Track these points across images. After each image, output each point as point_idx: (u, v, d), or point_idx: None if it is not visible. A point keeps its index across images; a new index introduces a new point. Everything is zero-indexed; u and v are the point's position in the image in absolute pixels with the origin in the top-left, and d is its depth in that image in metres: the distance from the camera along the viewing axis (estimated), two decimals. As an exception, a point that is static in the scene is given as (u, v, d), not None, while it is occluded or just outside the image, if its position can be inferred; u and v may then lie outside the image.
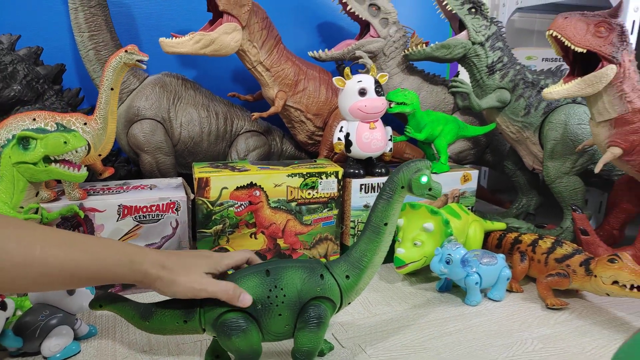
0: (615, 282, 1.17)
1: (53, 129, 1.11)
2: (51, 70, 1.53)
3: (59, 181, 1.41)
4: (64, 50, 1.70)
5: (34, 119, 1.22)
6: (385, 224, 0.93)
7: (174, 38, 1.50)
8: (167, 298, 0.89)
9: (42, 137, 1.03)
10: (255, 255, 1.01)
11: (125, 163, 1.70)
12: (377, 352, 1.07)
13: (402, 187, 0.93)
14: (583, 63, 1.34)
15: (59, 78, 1.56)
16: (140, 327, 0.92)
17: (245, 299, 0.85)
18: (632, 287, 1.14)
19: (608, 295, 1.21)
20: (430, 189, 0.93)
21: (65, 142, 1.03)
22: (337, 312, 0.94)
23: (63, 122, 1.22)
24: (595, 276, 1.21)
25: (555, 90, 1.34)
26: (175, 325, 0.89)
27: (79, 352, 1.04)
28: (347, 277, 0.93)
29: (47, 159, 1.05)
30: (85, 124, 1.26)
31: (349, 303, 0.96)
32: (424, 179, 0.91)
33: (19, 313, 1.06)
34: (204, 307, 0.88)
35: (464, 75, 1.86)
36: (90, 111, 1.62)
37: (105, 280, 0.82)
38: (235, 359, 0.88)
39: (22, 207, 1.06)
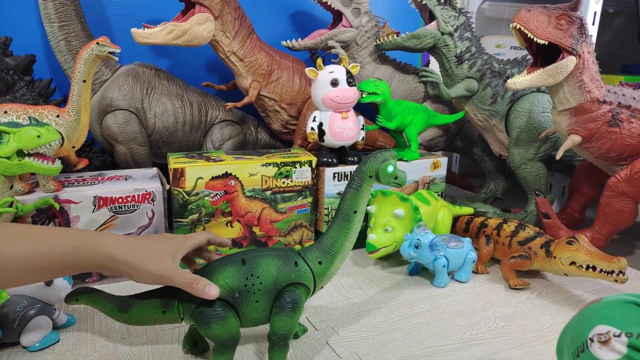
0: (572, 263, 1.24)
1: (26, 123, 1.11)
2: (21, 61, 1.52)
3: (33, 173, 1.41)
4: (33, 41, 1.68)
5: (5, 112, 1.22)
6: (355, 212, 0.98)
7: (146, 29, 1.50)
8: (144, 290, 0.91)
9: (15, 131, 1.04)
10: (215, 236, 1.03)
11: (99, 154, 1.71)
12: (349, 333, 1.12)
13: (370, 177, 0.98)
14: (545, 54, 1.40)
15: (30, 69, 1.55)
16: (119, 319, 0.94)
17: (211, 291, 0.85)
18: (587, 267, 1.22)
19: (566, 275, 1.28)
20: (396, 178, 0.99)
21: (38, 136, 1.04)
22: (310, 296, 0.99)
23: (35, 115, 1.22)
24: (555, 257, 1.28)
25: (519, 81, 1.40)
26: (154, 316, 0.91)
27: (58, 342, 1.07)
28: (320, 263, 0.97)
29: (20, 153, 1.05)
30: (58, 116, 1.26)
31: (322, 287, 1.01)
32: (390, 169, 0.97)
33: (-3, 304, 1.07)
34: (182, 297, 0.90)
35: (434, 64, 1.90)
36: (62, 102, 1.62)
37: (70, 269, 0.82)
38: (214, 345, 0.91)
39: (-4, 201, 1.07)
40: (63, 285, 1.10)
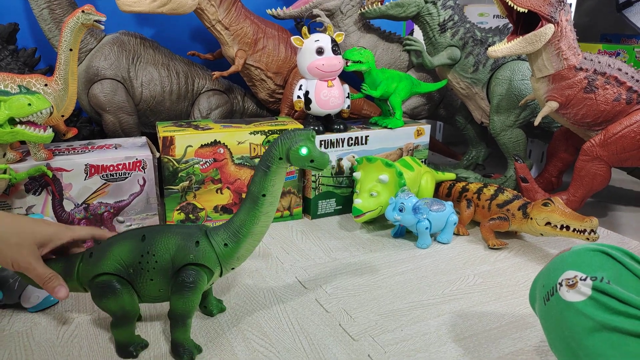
0: (548, 223, 1.31)
1: (15, 91, 1.12)
2: (4, 30, 1.51)
3: (23, 142, 1.42)
4: (16, 10, 1.66)
5: (-7, 81, 1.22)
6: (264, 195, 0.89)
7: (131, -4, 1.49)
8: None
9: (5, 100, 1.05)
10: (105, 231, 0.97)
11: (87, 123, 1.71)
12: (336, 290, 1.18)
13: (280, 159, 0.88)
14: (525, 23, 1.43)
15: (13, 38, 1.54)
16: (28, 282, 0.92)
17: (60, 293, 0.84)
18: (562, 227, 1.29)
19: (542, 235, 1.36)
20: (312, 160, 0.87)
21: (29, 104, 1.05)
22: (220, 276, 0.94)
23: (24, 84, 1.23)
24: (531, 218, 1.35)
25: (499, 49, 1.44)
26: None
27: (57, 303, 1.11)
28: (226, 245, 0.91)
29: (12, 121, 1.07)
30: (45, 85, 1.27)
31: (233, 268, 0.95)
32: (304, 151, 0.86)
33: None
34: (81, 268, 0.90)
35: (418, 33, 1.93)
36: (48, 72, 1.61)
37: None
38: (111, 318, 0.91)
39: (-10, 168, 1.09)
40: (60, 250, 1.13)
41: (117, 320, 0.90)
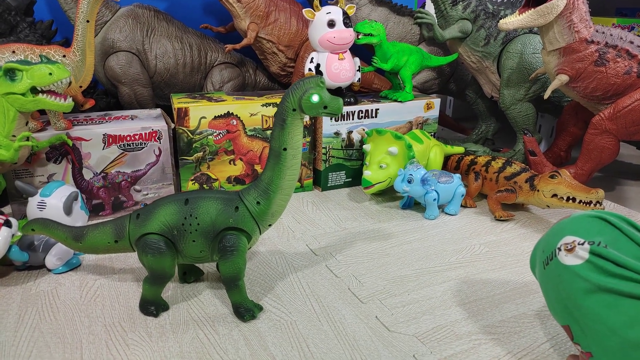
0: (554, 195, 1.34)
1: (36, 61, 1.15)
2: (22, 2, 1.53)
3: (42, 112, 1.47)
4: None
5: (14, 52, 1.26)
6: (285, 149, 0.91)
7: (145, -31, 1.51)
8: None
9: (27, 69, 1.08)
10: None
11: (103, 95, 1.75)
12: (345, 258, 1.22)
13: (294, 110, 0.89)
14: (537, -5, 1.43)
15: (30, 10, 1.57)
16: (74, 247, 1.00)
17: None
18: (568, 198, 1.31)
19: (548, 207, 1.38)
20: (325, 107, 0.88)
21: (50, 74, 1.09)
22: (261, 234, 0.99)
23: (43, 54, 1.26)
24: (538, 190, 1.37)
25: (510, 21, 1.44)
26: (106, 245, 0.98)
27: (79, 265, 1.17)
28: (258, 203, 0.94)
29: (34, 90, 1.10)
30: (64, 56, 1.30)
31: (270, 225, 0.99)
32: (315, 98, 0.87)
33: (19, 234, 1.16)
34: (131, 228, 0.95)
35: (429, 6, 1.92)
36: (64, 44, 1.64)
37: None
38: (147, 275, 0.97)
39: (14, 136, 1.13)
40: (81, 215, 1.18)
41: (153, 277, 0.96)
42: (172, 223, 0.93)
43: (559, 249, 0.75)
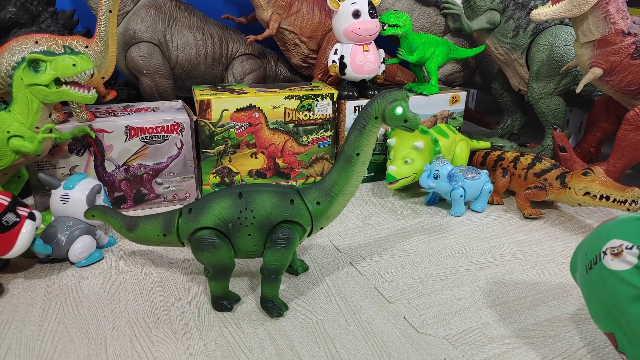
0: (587, 193, 1.29)
1: (59, 52, 1.14)
2: (43, -8, 1.52)
3: (64, 103, 1.46)
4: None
5: (37, 42, 1.24)
6: (358, 154, 0.91)
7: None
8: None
9: (51, 60, 1.07)
10: None
11: (124, 86, 1.74)
12: (370, 255, 1.20)
13: (376, 118, 0.89)
14: (572, -16, 1.37)
15: (52, 0, 1.55)
16: (127, 237, 1.01)
17: None
18: (601, 197, 1.26)
19: (580, 205, 1.33)
20: (406, 120, 0.88)
21: (74, 65, 1.07)
22: (309, 235, 0.97)
23: (66, 45, 1.25)
24: (570, 188, 1.33)
25: (543, 12, 1.38)
26: (156, 238, 0.98)
27: (102, 259, 1.16)
28: (318, 203, 0.94)
29: (57, 81, 1.09)
30: (86, 47, 1.29)
31: (322, 228, 0.98)
32: (399, 110, 0.87)
33: (42, 226, 1.15)
34: (182, 223, 0.94)
35: (456, -4, 1.86)
36: (86, 34, 1.63)
37: None
38: (210, 272, 0.96)
39: (37, 128, 1.12)
40: (104, 208, 1.17)
41: (215, 273, 0.94)
42: (228, 217, 0.92)
43: (605, 253, 0.72)
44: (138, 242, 1.01)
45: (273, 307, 0.95)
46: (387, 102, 0.87)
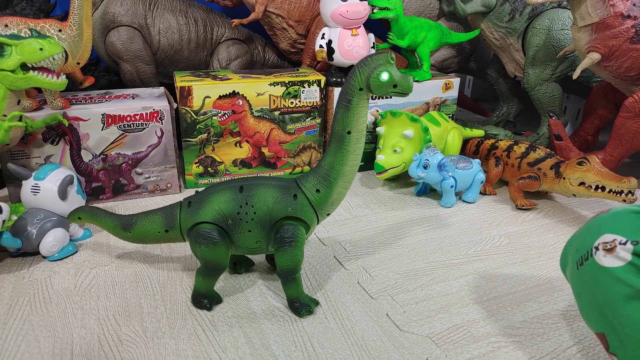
0: (582, 184, 1.24)
1: (27, 36, 1.08)
2: (18, -26, 1.45)
3: (39, 90, 1.40)
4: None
5: (6, 25, 1.19)
6: (349, 132, 0.84)
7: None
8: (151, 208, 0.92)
9: (17, 44, 1.01)
10: None
11: (105, 73, 1.68)
12: (355, 248, 1.15)
13: (361, 89, 0.81)
14: (570, -36, 1.31)
15: (28, -18, 1.49)
16: (123, 237, 0.96)
17: None
18: (597, 187, 1.22)
19: (575, 196, 1.28)
20: (395, 85, 0.80)
21: (41, 49, 1.02)
22: (318, 223, 0.94)
23: (37, 29, 1.19)
24: (564, 178, 1.28)
25: (540, -6, 1.32)
26: (157, 235, 0.93)
27: (76, 252, 1.11)
28: (318, 191, 0.88)
29: (25, 67, 1.03)
30: (60, 30, 1.23)
31: (328, 214, 0.93)
32: (385, 76, 0.79)
33: (14, 218, 1.10)
34: (183, 217, 0.90)
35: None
36: (63, 18, 1.57)
37: None
38: (200, 266, 0.91)
39: (4, 116, 1.06)
40: (77, 200, 1.12)
41: (206, 269, 0.90)
42: (227, 212, 0.87)
43: (597, 249, 0.67)
44: (135, 242, 0.97)
45: (301, 306, 0.91)
46: (369, 70, 0.80)
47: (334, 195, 0.89)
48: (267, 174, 1.51)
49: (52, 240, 1.06)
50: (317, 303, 0.94)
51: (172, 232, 0.92)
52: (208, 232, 0.87)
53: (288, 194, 0.88)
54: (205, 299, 0.93)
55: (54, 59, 1.05)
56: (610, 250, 0.65)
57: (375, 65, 0.79)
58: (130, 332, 0.87)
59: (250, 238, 0.88)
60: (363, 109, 0.84)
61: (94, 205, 1.25)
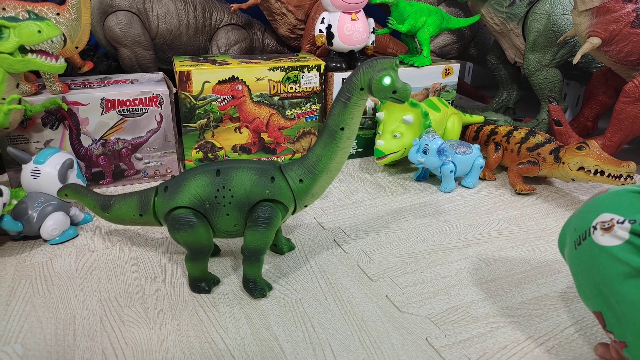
0: (581, 168, 1.24)
1: (25, 18, 1.07)
2: (15, -43, 1.44)
3: (38, 75, 1.40)
4: None
5: (3, 8, 1.18)
6: (342, 129, 0.84)
7: None
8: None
9: (15, 26, 1.00)
10: None
11: (104, 58, 1.67)
12: (355, 232, 1.16)
13: (362, 89, 0.82)
14: (571, -53, 1.30)
15: (25, -34, 1.48)
16: (102, 216, 0.97)
17: None
18: (595, 172, 1.22)
19: (574, 180, 1.29)
20: (394, 91, 0.81)
21: (39, 31, 1.01)
22: (293, 213, 0.94)
23: (35, 11, 1.18)
24: (563, 163, 1.28)
25: (540, -23, 1.31)
26: (132, 218, 0.94)
27: (76, 236, 1.11)
28: (301, 181, 0.88)
29: (23, 50, 1.03)
30: (58, 14, 1.22)
31: (306, 206, 0.93)
32: (387, 80, 0.80)
33: (14, 202, 1.11)
34: (158, 202, 0.90)
35: (451, -37, 1.79)
36: (61, 1, 1.55)
37: None
38: (186, 252, 0.91)
39: (3, 99, 1.06)
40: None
41: (192, 254, 0.90)
42: (204, 196, 0.86)
43: (594, 228, 0.67)
44: (113, 222, 0.97)
45: (256, 287, 0.91)
46: (373, 72, 0.80)
47: (316, 188, 0.90)
48: (268, 159, 1.50)
49: (53, 223, 1.06)
50: (271, 288, 0.94)
51: (145, 216, 0.93)
52: (184, 216, 0.87)
53: (265, 177, 0.88)
54: (201, 282, 0.93)
55: (52, 42, 1.05)
56: (608, 229, 0.66)
57: (380, 68, 0.80)
58: (132, 313, 0.88)
59: (228, 221, 0.88)
60: (360, 108, 0.84)
61: (94, 190, 1.25)
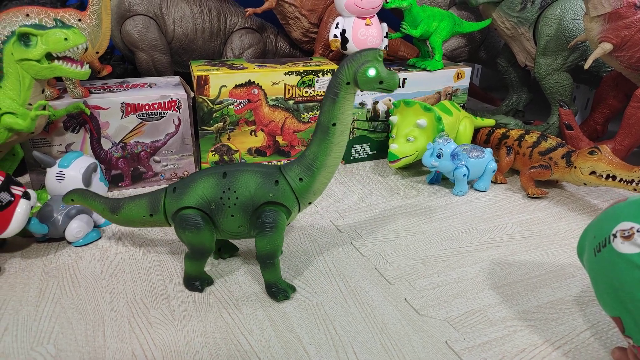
0: (593, 173, 1.26)
1: (51, 25, 1.09)
2: (35, -38, 1.46)
3: (59, 79, 1.42)
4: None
5: (27, 15, 1.20)
6: (334, 125, 0.86)
7: None
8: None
9: (42, 34, 1.03)
10: None
11: (120, 61, 1.69)
12: (371, 235, 1.18)
13: (348, 84, 0.83)
14: (584, -46, 1.32)
15: (44, -29, 1.50)
16: (111, 219, 0.98)
17: None
18: (607, 176, 1.24)
19: (585, 185, 1.31)
20: (381, 82, 0.82)
21: (65, 39, 1.03)
22: (299, 212, 0.96)
23: (58, 18, 1.20)
24: (575, 167, 1.30)
25: (554, -16, 1.33)
26: (142, 219, 0.96)
27: (99, 239, 1.14)
28: (301, 179, 0.90)
29: (49, 56, 1.05)
30: (79, 20, 1.24)
31: (310, 203, 0.95)
32: (372, 72, 0.81)
33: (38, 204, 1.13)
34: (167, 202, 0.92)
35: (462, -33, 1.80)
36: (79, 7, 1.58)
37: None
38: (187, 250, 0.94)
39: (30, 104, 1.09)
40: (100, 187, 1.15)
41: (193, 253, 0.93)
42: (210, 197, 0.89)
43: (614, 236, 0.69)
44: (122, 224, 0.99)
45: (278, 291, 0.94)
46: (357, 65, 0.82)
47: (316, 185, 0.92)
48: (282, 162, 1.53)
49: (77, 226, 1.09)
50: (294, 289, 0.96)
51: (156, 216, 0.95)
52: (192, 217, 0.89)
53: (270, 180, 0.90)
54: (196, 281, 0.96)
55: (77, 49, 1.07)
56: (628, 237, 0.68)
57: (363, 60, 0.82)
58: (158, 315, 0.90)
59: (233, 223, 0.91)
60: (349, 103, 0.86)
61: (113, 192, 1.28)
